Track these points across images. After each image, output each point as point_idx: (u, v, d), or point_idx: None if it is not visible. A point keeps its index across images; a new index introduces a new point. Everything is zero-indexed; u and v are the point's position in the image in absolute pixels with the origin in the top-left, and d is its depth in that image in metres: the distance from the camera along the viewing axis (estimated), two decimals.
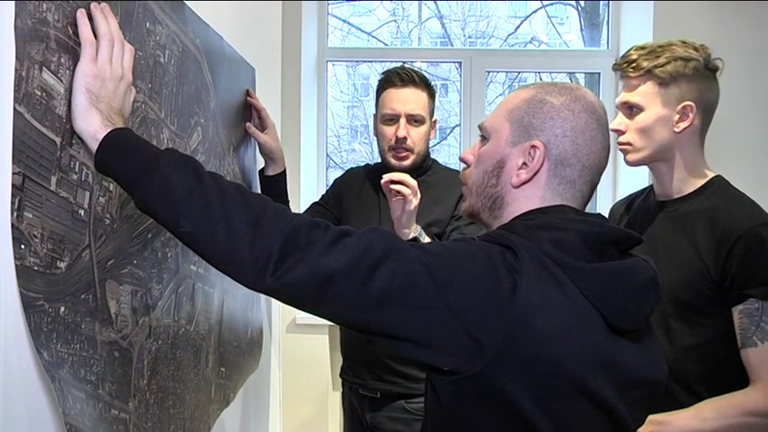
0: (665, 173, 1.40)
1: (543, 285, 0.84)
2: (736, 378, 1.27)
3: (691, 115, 1.35)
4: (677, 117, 1.35)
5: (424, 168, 1.86)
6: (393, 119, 1.81)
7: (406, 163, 1.81)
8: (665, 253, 1.33)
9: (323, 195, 2.02)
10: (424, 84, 1.82)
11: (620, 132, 1.40)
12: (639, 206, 1.50)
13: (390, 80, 1.82)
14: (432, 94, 1.85)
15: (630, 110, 1.38)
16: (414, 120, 1.80)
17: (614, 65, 1.43)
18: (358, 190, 1.91)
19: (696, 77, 1.34)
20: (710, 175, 1.39)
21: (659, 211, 1.42)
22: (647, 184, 1.55)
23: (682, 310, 1.31)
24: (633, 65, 1.36)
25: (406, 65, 1.87)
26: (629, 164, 1.41)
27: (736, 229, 1.26)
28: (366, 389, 1.81)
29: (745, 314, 1.25)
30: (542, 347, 0.83)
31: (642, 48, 1.38)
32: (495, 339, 0.82)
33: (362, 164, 2.07)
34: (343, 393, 1.94)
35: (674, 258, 1.33)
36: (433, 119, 1.87)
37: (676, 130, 1.35)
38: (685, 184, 1.38)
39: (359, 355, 1.83)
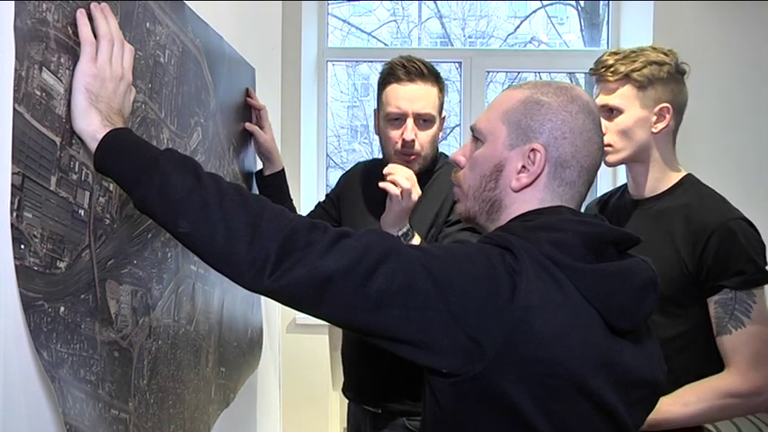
0: (640, 172, 1.46)
1: (542, 286, 0.84)
2: (714, 364, 1.34)
3: (667, 116, 1.42)
4: (654, 118, 1.42)
5: (432, 171, 1.67)
6: (399, 119, 1.59)
7: (415, 168, 1.60)
8: (643, 250, 1.35)
9: (326, 195, 1.94)
10: (433, 77, 1.60)
11: None
12: (614, 205, 1.56)
13: (394, 74, 1.59)
14: (442, 87, 1.62)
15: (610, 112, 1.44)
16: (422, 120, 1.58)
17: (591, 70, 1.50)
18: (363, 186, 1.78)
19: (670, 80, 1.42)
20: (682, 173, 1.46)
21: (634, 209, 1.48)
22: None
23: (662, 304, 1.34)
24: (611, 69, 1.43)
25: (412, 56, 1.63)
26: (609, 164, 1.46)
27: (710, 224, 1.33)
28: (368, 404, 1.73)
29: (719, 304, 1.33)
30: (542, 348, 0.83)
31: (616, 53, 1.46)
32: (494, 341, 0.82)
33: (370, 159, 1.92)
34: (348, 406, 1.86)
35: (652, 254, 1.34)
36: (443, 115, 1.66)
37: (654, 130, 1.42)
38: (660, 182, 1.45)
39: (358, 371, 1.75)
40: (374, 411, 1.72)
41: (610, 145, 1.43)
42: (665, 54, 1.43)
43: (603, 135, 1.39)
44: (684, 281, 1.34)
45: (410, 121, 1.58)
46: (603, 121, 1.42)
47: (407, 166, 1.59)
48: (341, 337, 1.89)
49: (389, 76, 1.61)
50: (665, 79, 1.41)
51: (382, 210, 1.60)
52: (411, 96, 1.58)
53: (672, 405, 1.30)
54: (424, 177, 1.64)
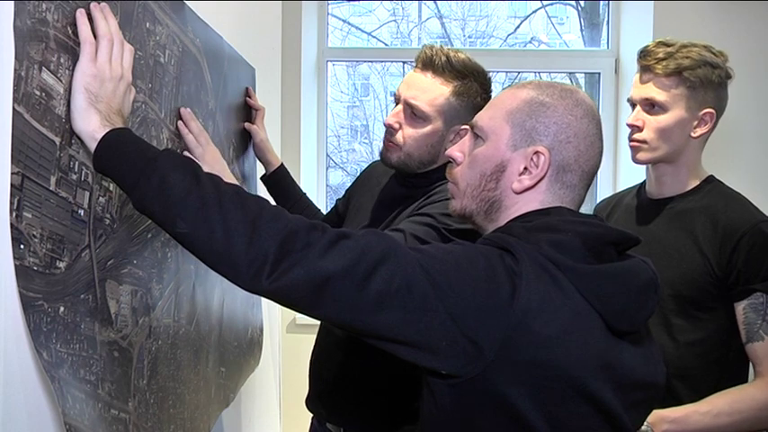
0: (666, 173, 1.41)
1: (542, 288, 0.84)
2: (735, 371, 1.31)
3: (709, 123, 1.36)
4: (696, 123, 1.36)
5: (426, 179, 1.43)
6: (396, 102, 1.43)
7: (392, 158, 1.42)
8: (663, 250, 1.34)
9: (345, 192, 1.80)
10: (450, 74, 1.38)
11: (636, 129, 1.38)
12: (629, 204, 1.50)
13: (415, 61, 1.44)
14: (462, 92, 1.38)
15: (651, 107, 1.37)
16: (411, 111, 1.38)
17: (639, 57, 1.39)
18: (367, 186, 1.66)
19: (720, 86, 1.36)
20: (705, 174, 1.41)
21: (653, 209, 1.43)
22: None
23: (683, 306, 1.32)
24: (664, 62, 1.34)
25: (444, 46, 1.43)
26: (639, 162, 1.40)
27: (740, 226, 1.29)
28: (330, 421, 1.54)
29: (751, 308, 1.28)
30: (541, 350, 0.83)
31: (666, 44, 1.37)
32: (493, 342, 0.82)
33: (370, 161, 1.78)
34: (312, 422, 1.65)
35: (674, 255, 1.34)
36: (463, 127, 1.36)
37: (693, 135, 1.36)
38: (683, 184, 1.40)
39: (324, 387, 1.55)
40: None
41: (645, 141, 1.37)
42: (720, 56, 1.36)
43: (639, 130, 1.37)
44: (708, 282, 1.30)
45: (399, 107, 1.41)
46: (643, 114, 1.37)
47: (386, 154, 1.44)
48: (309, 369, 1.68)
49: (414, 63, 1.46)
50: (717, 84, 1.35)
51: (382, 210, 1.55)
52: (410, 82, 1.41)
53: (703, 415, 1.26)
54: (412, 182, 1.45)
